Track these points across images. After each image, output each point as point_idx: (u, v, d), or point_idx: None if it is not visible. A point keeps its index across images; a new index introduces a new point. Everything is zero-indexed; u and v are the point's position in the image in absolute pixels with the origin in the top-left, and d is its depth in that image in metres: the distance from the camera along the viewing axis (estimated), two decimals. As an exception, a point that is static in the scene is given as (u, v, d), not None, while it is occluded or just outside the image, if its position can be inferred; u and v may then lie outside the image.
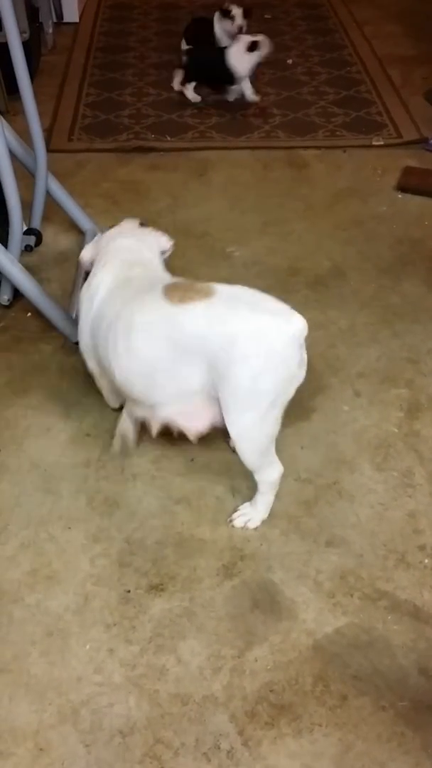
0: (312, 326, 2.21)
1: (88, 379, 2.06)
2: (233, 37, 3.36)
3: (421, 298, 2.35)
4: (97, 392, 2.01)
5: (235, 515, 1.71)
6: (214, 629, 1.51)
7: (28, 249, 2.45)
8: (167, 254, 1.80)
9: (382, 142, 3.14)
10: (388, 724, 1.38)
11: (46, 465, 1.83)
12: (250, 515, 1.69)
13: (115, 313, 1.57)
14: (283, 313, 1.49)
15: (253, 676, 1.44)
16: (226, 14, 3.43)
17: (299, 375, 1.52)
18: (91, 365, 1.78)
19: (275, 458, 1.62)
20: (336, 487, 1.78)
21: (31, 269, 2.19)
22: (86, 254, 1.79)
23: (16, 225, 2.21)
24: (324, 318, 2.26)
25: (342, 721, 1.38)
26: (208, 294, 1.48)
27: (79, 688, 1.42)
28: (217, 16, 3.49)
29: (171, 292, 1.50)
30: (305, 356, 1.52)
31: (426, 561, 1.63)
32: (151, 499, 1.75)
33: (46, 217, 2.62)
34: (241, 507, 1.72)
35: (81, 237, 2.56)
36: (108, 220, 2.64)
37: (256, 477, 1.63)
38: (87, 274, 1.76)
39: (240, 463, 1.60)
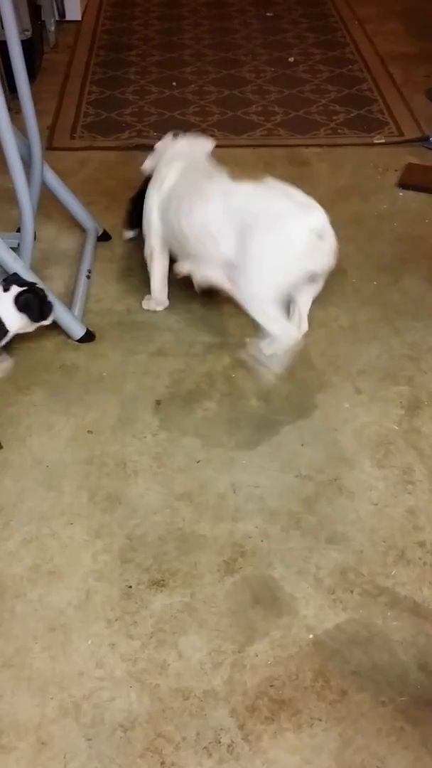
0: (313, 324, 2.24)
1: (90, 376, 2.07)
2: None
3: (421, 295, 2.35)
4: (99, 390, 2.02)
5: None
6: (215, 625, 1.52)
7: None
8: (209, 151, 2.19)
9: (383, 140, 3.15)
10: (387, 719, 1.39)
11: (49, 461, 1.84)
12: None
13: (188, 187, 1.98)
14: (307, 205, 1.80)
15: (254, 671, 1.45)
16: None
17: (313, 264, 1.80)
18: (153, 244, 2.14)
19: (279, 318, 1.87)
20: (336, 484, 1.79)
21: (33, 267, 2.19)
22: (148, 164, 2.23)
23: (28, 230, 2.20)
24: (325, 315, 2.27)
25: (342, 715, 1.39)
26: (259, 180, 1.87)
27: (81, 683, 1.43)
28: None
29: (234, 174, 1.92)
30: (326, 249, 1.79)
31: (426, 557, 1.64)
32: (153, 496, 1.76)
33: (48, 216, 2.63)
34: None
35: (83, 235, 2.57)
36: (110, 218, 2.67)
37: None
38: (147, 180, 2.21)
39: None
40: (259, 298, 1.86)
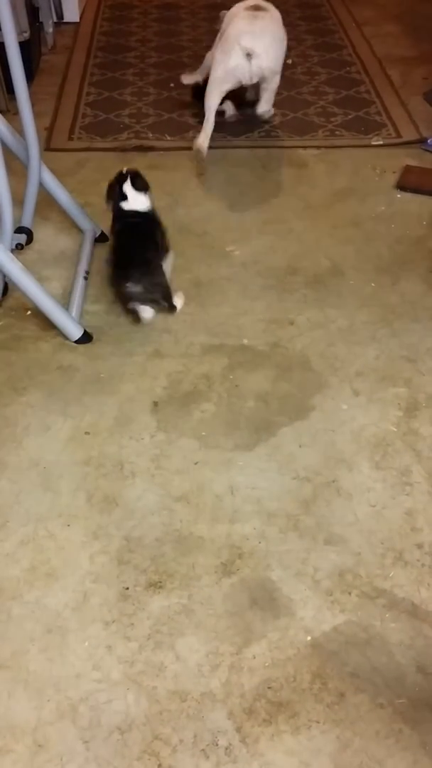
0: (311, 326, 2.24)
1: (87, 377, 2.07)
2: None
3: (419, 297, 2.35)
4: (97, 391, 2.02)
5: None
6: (213, 626, 1.51)
7: (18, 247, 2.45)
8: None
9: (381, 142, 3.15)
10: (385, 721, 1.38)
11: (46, 463, 1.84)
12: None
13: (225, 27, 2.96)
14: (247, 32, 2.77)
15: (251, 673, 1.44)
16: None
17: (241, 72, 2.83)
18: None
19: (212, 109, 2.97)
20: (334, 486, 1.79)
21: (30, 268, 2.19)
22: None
23: (6, 221, 2.21)
24: (323, 317, 2.27)
25: (340, 718, 1.39)
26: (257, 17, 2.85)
27: (78, 685, 1.43)
28: None
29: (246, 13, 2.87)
30: (253, 64, 2.79)
31: (424, 559, 1.63)
32: (150, 497, 1.76)
33: (45, 216, 2.63)
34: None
35: (80, 236, 2.56)
36: (108, 219, 2.64)
37: None
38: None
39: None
40: (210, 88, 2.94)
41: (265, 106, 3.14)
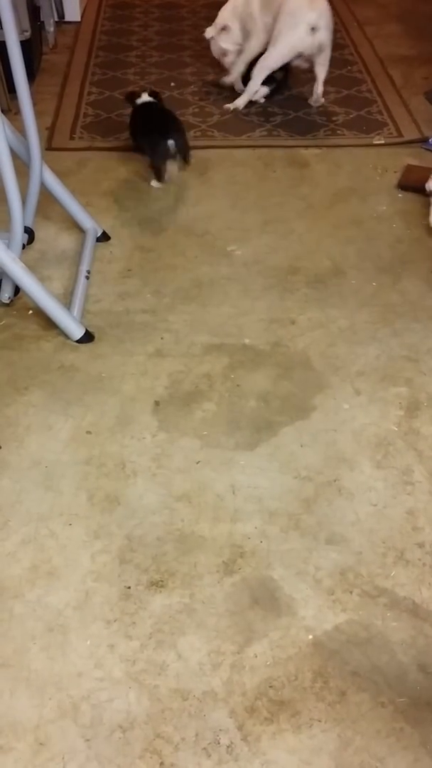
0: (312, 325, 2.24)
1: (89, 377, 2.07)
2: None
3: (420, 296, 2.35)
4: (98, 391, 2.03)
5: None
6: (214, 625, 1.52)
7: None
8: None
9: (382, 141, 3.15)
10: (386, 720, 1.39)
11: (47, 462, 1.84)
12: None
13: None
14: (309, 6, 3.10)
15: (253, 672, 1.45)
16: None
17: (308, 47, 3.18)
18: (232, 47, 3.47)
19: (259, 83, 3.32)
20: (336, 485, 1.79)
21: (32, 267, 2.19)
22: None
23: (17, 223, 2.22)
24: (324, 317, 2.27)
25: (341, 716, 1.39)
26: None
27: (80, 683, 1.43)
28: None
29: None
30: (317, 38, 3.15)
31: (425, 558, 1.64)
32: (152, 496, 1.76)
33: (47, 216, 2.63)
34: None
35: (82, 236, 2.56)
36: (109, 219, 2.67)
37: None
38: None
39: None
40: (268, 62, 3.24)
41: (321, 82, 3.38)
